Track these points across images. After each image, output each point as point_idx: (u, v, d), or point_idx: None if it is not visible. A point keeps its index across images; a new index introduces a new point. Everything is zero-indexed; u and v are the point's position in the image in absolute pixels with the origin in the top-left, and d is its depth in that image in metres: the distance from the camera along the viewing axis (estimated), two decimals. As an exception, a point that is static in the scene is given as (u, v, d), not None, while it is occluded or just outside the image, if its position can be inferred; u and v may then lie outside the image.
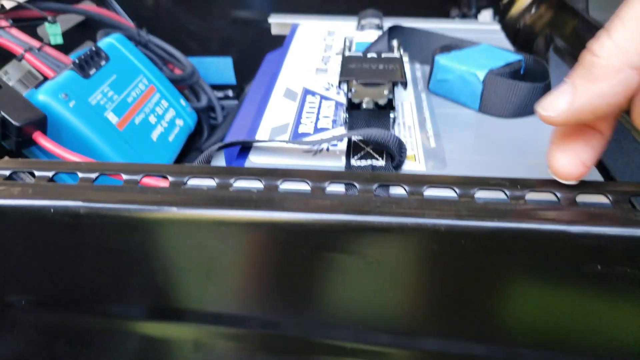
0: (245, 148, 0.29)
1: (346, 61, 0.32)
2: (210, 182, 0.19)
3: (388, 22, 0.45)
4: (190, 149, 0.49)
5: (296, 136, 0.30)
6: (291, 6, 0.60)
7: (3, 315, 0.22)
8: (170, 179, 0.19)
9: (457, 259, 0.18)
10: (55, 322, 0.22)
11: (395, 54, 0.33)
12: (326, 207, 0.18)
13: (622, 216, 0.17)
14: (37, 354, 0.23)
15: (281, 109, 0.33)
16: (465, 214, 0.17)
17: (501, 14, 0.61)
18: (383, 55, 0.33)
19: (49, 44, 0.38)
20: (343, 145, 0.28)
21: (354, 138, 0.28)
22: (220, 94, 0.66)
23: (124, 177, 0.20)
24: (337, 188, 0.19)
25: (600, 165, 0.29)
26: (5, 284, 0.21)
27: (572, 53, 0.40)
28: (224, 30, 0.63)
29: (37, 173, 0.20)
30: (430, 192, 0.19)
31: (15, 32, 0.36)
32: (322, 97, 0.34)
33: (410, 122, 0.31)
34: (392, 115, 0.29)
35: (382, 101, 0.29)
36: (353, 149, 0.27)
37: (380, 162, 0.26)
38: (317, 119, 0.31)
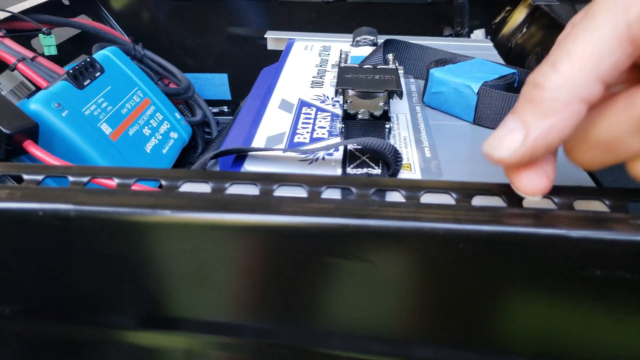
0: (240, 157, 0.28)
1: (342, 71, 0.32)
2: (204, 187, 0.19)
3: (382, 40, 0.46)
4: (185, 163, 0.49)
5: (292, 145, 0.30)
6: (287, 24, 0.61)
7: (-13, 325, 0.21)
8: (164, 183, 0.19)
9: (455, 264, 0.17)
10: (42, 333, 0.21)
11: (391, 66, 0.33)
12: (323, 211, 0.17)
13: (621, 221, 0.17)
14: (22, 367, 0.22)
15: (277, 120, 0.33)
16: (463, 218, 0.17)
17: (493, 33, 0.62)
18: (379, 66, 0.33)
19: (43, 55, 0.38)
20: (339, 155, 0.28)
21: (350, 147, 0.28)
22: (215, 110, 0.66)
23: (116, 180, 0.19)
24: (334, 193, 0.19)
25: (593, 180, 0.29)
26: (-11, 291, 0.20)
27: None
28: (220, 46, 0.63)
29: (25, 177, 0.20)
30: (427, 197, 0.19)
31: (8, 42, 0.36)
32: (318, 109, 0.34)
33: (405, 134, 0.31)
34: (387, 125, 0.29)
35: (378, 112, 0.29)
36: (349, 157, 0.27)
37: (376, 171, 0.26)
38: (313, 129, 0.31)
